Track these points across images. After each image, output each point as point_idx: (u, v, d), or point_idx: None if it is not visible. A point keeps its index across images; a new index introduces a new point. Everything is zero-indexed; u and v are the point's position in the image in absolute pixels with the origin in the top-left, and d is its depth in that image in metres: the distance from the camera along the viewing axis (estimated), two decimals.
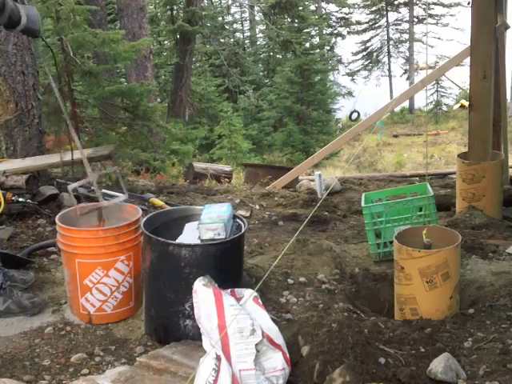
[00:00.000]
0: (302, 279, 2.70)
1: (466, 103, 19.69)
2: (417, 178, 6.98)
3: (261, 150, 16.72)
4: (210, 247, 2.09)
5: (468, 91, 3.92)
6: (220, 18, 22.57)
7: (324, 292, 2.59)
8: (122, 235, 2.28)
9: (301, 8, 20.25)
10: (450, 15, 28.56)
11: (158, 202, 4.06)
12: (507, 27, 4.42)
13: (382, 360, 1.81)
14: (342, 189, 5.55)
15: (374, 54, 30.76)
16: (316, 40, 23.60)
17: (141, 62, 11.02)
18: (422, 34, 28.18)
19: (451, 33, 30.42)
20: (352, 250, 3.30)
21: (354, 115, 19.47)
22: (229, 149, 13.71)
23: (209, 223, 2.12)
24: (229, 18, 26.61)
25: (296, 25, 19.48)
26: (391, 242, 2.87)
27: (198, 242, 2.13)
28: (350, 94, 24.95)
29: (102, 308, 2.31)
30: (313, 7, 26.86)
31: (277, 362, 1.81)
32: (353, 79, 29.80)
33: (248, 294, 1.95)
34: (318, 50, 20.69)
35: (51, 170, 4.34)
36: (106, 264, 2.28)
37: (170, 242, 2.08)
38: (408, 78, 27.51)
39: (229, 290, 1.93)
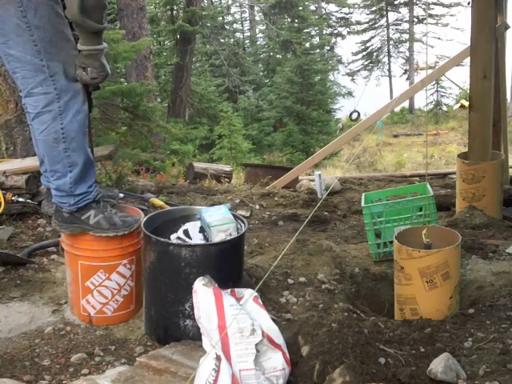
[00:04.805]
0: (302, 279, 2.70)
1: (466, 103, 19.70)
2: (417, 178, 6.98)
3: (261, 150, 16.72)
4: (210, 247, 2.09)
5: (468, 91, 3.92)
6: (220, 18, 22.57)
7: (324, 292, 2.59)
8: (125, 239, 2.28)
9: (301, 8, 20.30)
10: (450, 15, 28.60)
11: (158, 201, 4.06)
12: (507, 27, 4.42)
13: (382, 360, 1.81)
14: (341, 189, 5.55)
15: (374, 54, 30.77)
16: (316, 40, 23.65)
17: (141, 62, 11.05)
18: (422, 33, 28.22)
19: (451, 33, 30.43)
20: (352, 249, 3.30)
21: (354, 115, 19.52)
22: (229, 149, 13.70)
23: (219, 225, 2.13)
24: (229, 18, 26.65)
25: (296, 25, 19.53)
26: (391, 242, 2.87)
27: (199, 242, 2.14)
28: (350, 94, 24.95)
29: (103, 310, 2.31)
30: (313, 7, 26.89)
31: (277, 361, 1.80)
32: (353, 79, 29.82)
33: (248, 293, 1.94)
34: (318, 50, 20.75)
35: None
36: (108, 267, 2.27)
37: (171, 241, 2.08)
38: (408, 78, 27.53)
39: (229, 290, 1.93)
